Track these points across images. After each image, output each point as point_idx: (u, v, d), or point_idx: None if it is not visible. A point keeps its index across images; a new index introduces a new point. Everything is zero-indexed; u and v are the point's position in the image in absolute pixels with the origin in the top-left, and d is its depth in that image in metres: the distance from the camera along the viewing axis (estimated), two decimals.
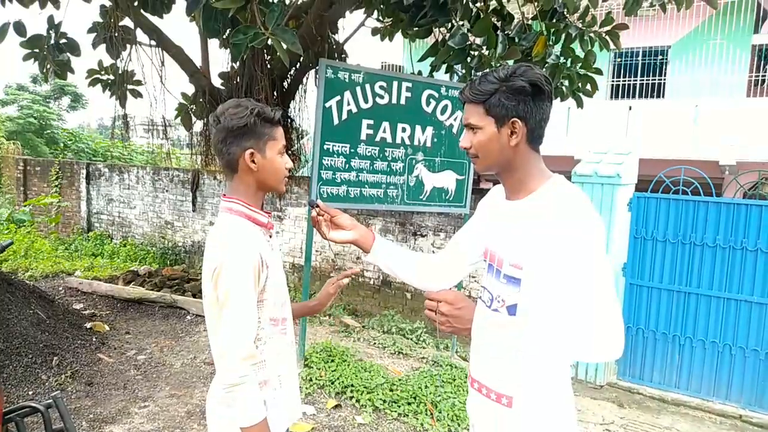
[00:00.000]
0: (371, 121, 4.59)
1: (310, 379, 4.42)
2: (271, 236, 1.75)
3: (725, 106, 9.49)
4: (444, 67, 5.68)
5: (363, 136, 4.59)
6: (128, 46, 5.58)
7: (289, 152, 6.41)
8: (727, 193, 7.70)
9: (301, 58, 5.98)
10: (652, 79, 11.00)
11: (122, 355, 5.23)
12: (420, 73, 6.26)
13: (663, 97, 10.76)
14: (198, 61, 6.10)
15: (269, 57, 5.75)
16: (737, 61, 10.08)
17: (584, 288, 1.35)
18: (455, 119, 4.92)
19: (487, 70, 1.49)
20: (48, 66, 5.15)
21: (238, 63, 5.74)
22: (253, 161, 1.63)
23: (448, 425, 3.96)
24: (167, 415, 4.08)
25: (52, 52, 5.12)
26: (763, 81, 10.23)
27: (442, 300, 1.51)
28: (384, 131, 4.65)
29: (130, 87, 5.93)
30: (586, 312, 1.36)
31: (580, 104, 5.99)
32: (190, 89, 6.25)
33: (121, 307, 6.69)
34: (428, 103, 4.79)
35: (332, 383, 4.37)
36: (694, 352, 5.28)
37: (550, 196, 1.46)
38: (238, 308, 1.53)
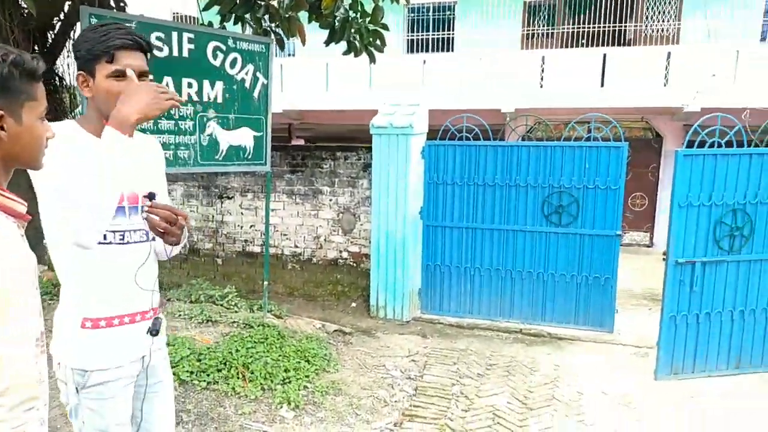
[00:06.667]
0: (150, 77, 4.19)
1: None
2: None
3: (504, 58, 10.54)
4: (233, 18, 5.39)
5: None
6: None
7: (63, 116, 5.64)
8: (510, 138, 8.63)
9: (67, 6, 5.23)
10: (443, 34, 11.75)
11: None
12: (210, 24, 5.87)
13: (453, 50, 11.58)
14: None
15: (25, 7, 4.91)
16: (512, 17, 11.20)
17: None
18: (247, 73, 4.73)
19: (102, 23, 1.66)
20: None
21: None
22: (1, 128, 1.20)
23: (261, 383, 3.96)
24: None
25: None
26: (534, 35, 11.54)
27: (180, 215, 1.62)
28: (167, 87, 4.28)
29: None
30: None
31: (372, 59, 6.12)
32: None
33: None
34: (215, 56, 4.51)
35: None
36: (483, 280, 5.94)
37: (139, 136, 1.74)
38: (10, 328, 1.15)
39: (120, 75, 1.57)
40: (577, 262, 5.63)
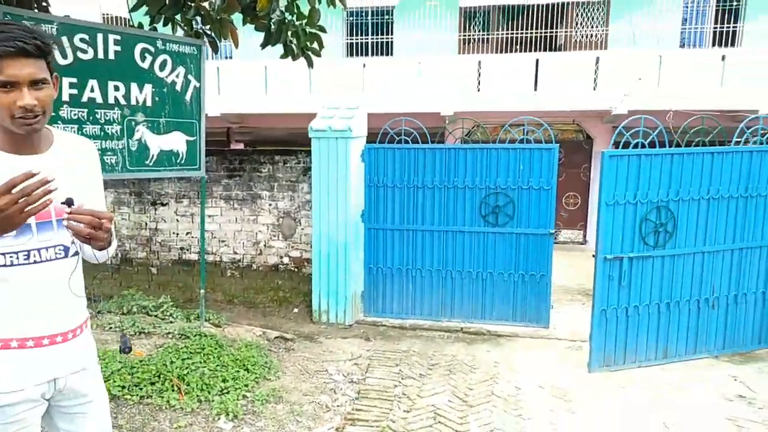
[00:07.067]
0: (74, 80, 4.01)
1: None
2: None
3: (442, 63, 10.71)
4: (163, 20, 5.22)
5: (65, 97, 3.99)
6: None
7: None
8: (450, 141, 8.76)
9: None
10: (382, 38, 11.82)
11: None
12: (141, 26, 5.67)
13: (392, 54, 11.66)
14: None
15: None
16: (449, 22, 11.40)
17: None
18: (177, 75, 4.59)
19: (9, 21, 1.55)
20: None
21: None
22: None
23: (197, 395, 3.85)
24: None
25: None
26: (470, 40, 11.78)
27: (104, 217, 1.51)
28: (92, 90, 4.10)
29: None
30: None
31: (310, 63, 6.07)
32: None
33: None
34: (143, 58, 4.36)
35: None
36: (424, 281, 6.00)
37: (68, 140, 1.72)
38: None
39: (6, 85, 1.44)
40: (514, 261, 5.77)
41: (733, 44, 10.69)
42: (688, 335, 4.96)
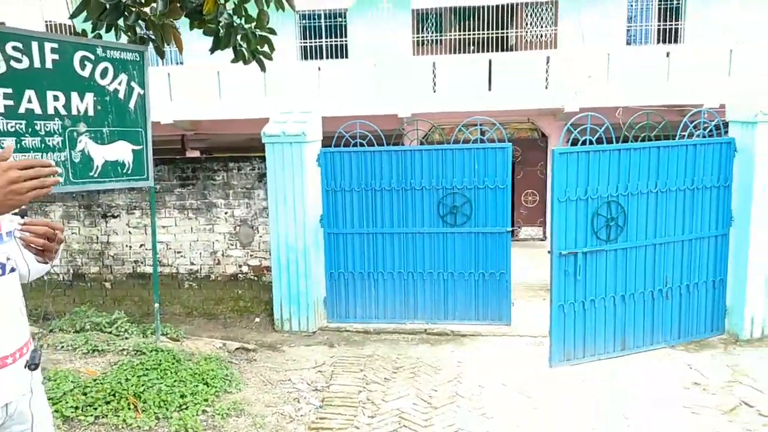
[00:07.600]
0: (9, 90, 3.83)
1: None
2: None
3: (397, 65, 10.72)
4: (105, 26, 5.04)
5: (0, 109, 3.81)
6: None
7: None
8: (406, 143, 8.76)
9: None
10: (336, 41, 11.75)
11: None
12: (84, 32, 5.47)
13: (347, 57, 11.61)
14: None
15: None
16: (402, 24, 11.42)
17: None
18: (120, 83, 4.44)
19: None
20: None
21: None
22: None
23: (155, 412, 3.72)
24: None
25: None
26: (424, 42, 11.84)
27: (57, 228, 1.51)
28: (30, 101, 3.93)
29: None
30: None
31: (262, 68, 5.97)
32: None
33: None
34: (83, 66, 4.20)
35: None
36: (387, 284, 5.98)
37: None
38: None
39: None
40: (474, 260, 5.81)
41: (676, 41, 11.06)
42: (645, 326, 5.08)
